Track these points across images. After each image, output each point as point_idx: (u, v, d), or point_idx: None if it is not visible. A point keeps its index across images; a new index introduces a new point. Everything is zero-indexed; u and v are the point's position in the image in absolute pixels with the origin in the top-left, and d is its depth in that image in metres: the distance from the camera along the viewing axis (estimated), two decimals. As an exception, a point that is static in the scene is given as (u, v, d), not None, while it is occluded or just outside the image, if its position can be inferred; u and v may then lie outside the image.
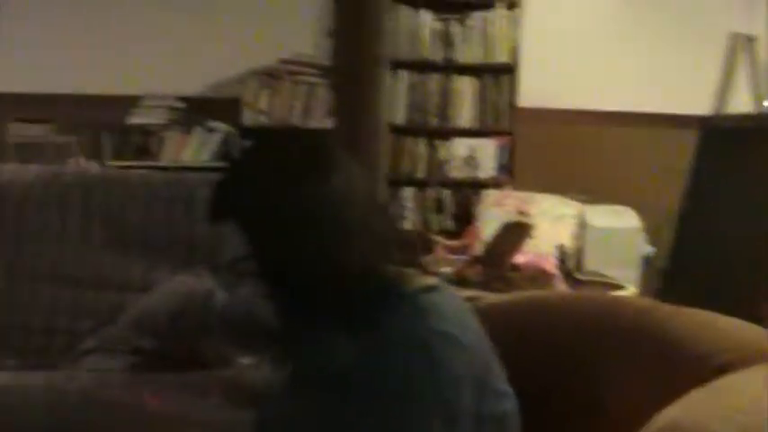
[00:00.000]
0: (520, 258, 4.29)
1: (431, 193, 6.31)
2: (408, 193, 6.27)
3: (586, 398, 2.10)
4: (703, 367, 1.87)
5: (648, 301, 2.32)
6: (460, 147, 6.31)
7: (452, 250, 4.69)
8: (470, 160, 6.30)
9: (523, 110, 6.32)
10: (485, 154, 6.31)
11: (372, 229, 1.78)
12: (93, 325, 3.44)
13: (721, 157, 5.21)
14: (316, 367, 1.82)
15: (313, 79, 6.19)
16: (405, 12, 6.19)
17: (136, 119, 6.22)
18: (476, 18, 6.33)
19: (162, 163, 6.07)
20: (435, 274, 1.80)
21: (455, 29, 6.33)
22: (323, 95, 6.16)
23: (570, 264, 4.71)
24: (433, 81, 6.32)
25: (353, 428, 1.75)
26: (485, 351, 1.81)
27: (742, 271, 4.79)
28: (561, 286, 4.28)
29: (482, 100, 6.34)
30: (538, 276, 4.23)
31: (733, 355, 1.85)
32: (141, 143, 6.24)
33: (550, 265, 4.39)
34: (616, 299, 3.00)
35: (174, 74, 6.31)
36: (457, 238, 5.24)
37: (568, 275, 4.47)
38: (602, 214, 5.60)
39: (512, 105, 6.31)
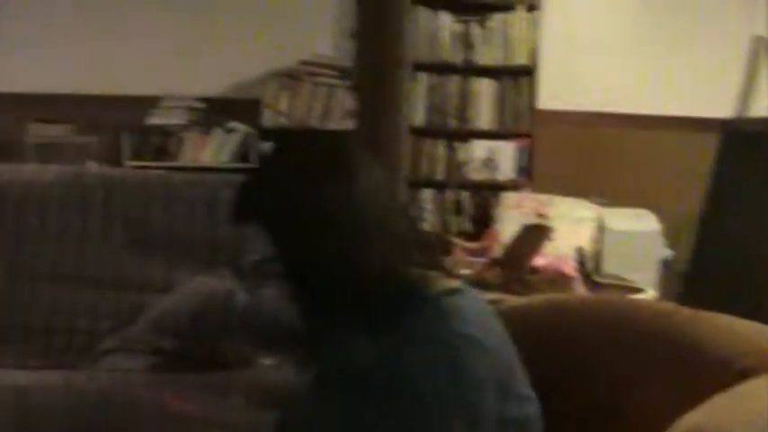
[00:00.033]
0: (539, 261, 4.29)
1: (449, 194, 6.31)
2: (427, 194, 6.27)
3: (606, 402, 2.10)
4: (725, 372, 1.86)
5: (669, 305, 2.31)
6: (479, 149, 6.31)
7: (471, 252, 4.69)
8: (489, 162, 6.30)
9: (542, 112, 6.31)
10: (503, 156, 6.31)
11: (394, 231, 1.78)
12: (113, 325, 3.45)
13: (743, 160, 5.17)
14: (337, 369, 1.83)
15: (333, 81, 6.20)
16: (424, 13, 6.19)
17: (155, 119, 6.24)
18: (495, 20, 6.33)
19: (181, 164, 6.07)
20: (456, 276, 1.79)
21: (474, 31, 6.33)
22: (342, 97, 6.16)
23: (589, 267, 4.70)
24: (453, 83, 6.32)
25: (375, 430, 1.75)
26: (508, 354, 1.81)
27: (763, 275, 4.75)
28: (580, 289, 4.27)
29: (501, 102, 6.34)
30: (557, 279, 4.23)
31: (755, 360, 1.85)
32: (160, 144, 6.26)
33: (569, 267, 4.39)
34: (635, 302, 2.99)
35: (194, 75, 6.33)
36: (475, 240, 5.24)
37: (587, 278, 4.46)
38: (621, 217, 5.58)
39: (531, 107, 6.31)
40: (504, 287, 4.01)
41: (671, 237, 5.69)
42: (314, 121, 6.15)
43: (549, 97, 6.32)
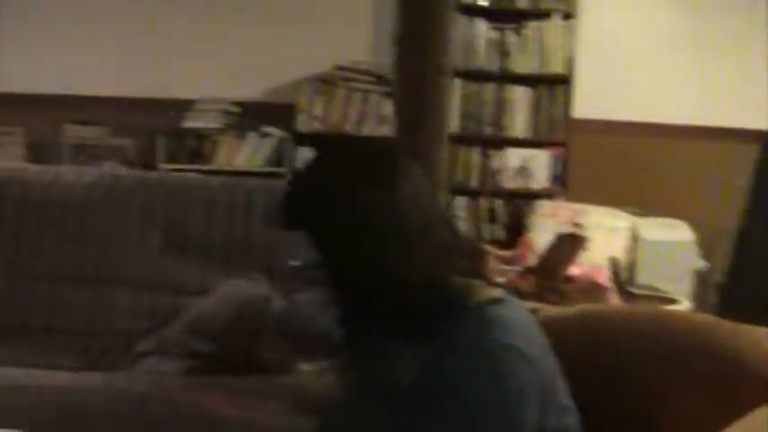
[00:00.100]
0: (574, 270, 4.28)
1: (483, 202, 6.30)
2: (461, 202, 6.26)
3: (641, 413, 2.09)
4: (766, 387, 1.85)
5: (708, 317, 2.30)
6: (514, 157, 6.30)
7: (504, 261, 4.69)
8: (523, 170, 6.29)
9: (578, 121, 6.30)
10: (538, 164, 6.30)
11: (436, 239, 1.78)
12: (149, 327, 3.47)
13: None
14: (378, 377, 1.83)
15: (368, 86, 6.20)
16: (460, 20, 6.18)
17: (190, 123, 6.26)
18: (531, 28, 6.32)
19: (215, 167, 6.09)
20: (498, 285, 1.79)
21: (510, 38, 6.32)
22: (377, 103, 6.17)
23: (623, 277, 4.69)
24: (488, 90, 6.31)
25: (415, 439, 1.76)
26: (549, 365, 1.81)
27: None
28: (614, 299, 4.26)
29: (536, 110, 6.33)
30: (591, 289, 4.22)
31: (796, 376, 1.84)
32: (195, 147, 6.28)
33: (604, 277, 4.38)
34: (673, 314, 2.97)
35: (230, 79, 6.35)
36: (508, 248, 5.23)
37: (621, 289, 4.45)
38: (656, 227, 5.56)
39: (566, 116, 6.29)
40: (539, 296, 4.00)
41: (705, 248, 5.66)
42: (349, 127, 6.15)
43: (584, 106, 6.30)
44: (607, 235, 5.23)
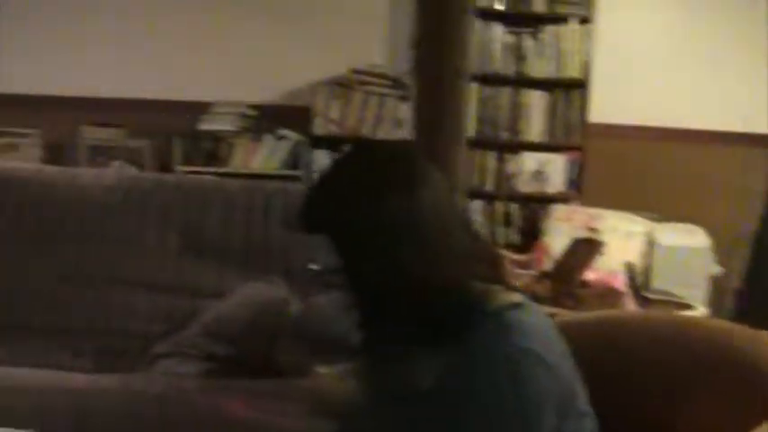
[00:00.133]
0: (589, 275, 4.28)
1: (498, 206, 6.29)
2: (476, 205, 6.26)
3: (659, 419, 2.09)
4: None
5: (723, 323, 2.31)
6: (529, 161, 6.30)
7: (519, 264, 4.69)
8: (539, 174, 6.28)
9: (594, 125, 6.29)
10: (554, 169, 6.29)
11: (456, 244, 1.78)
12: (166, 329, 3.48)
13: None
14: (397, 381, 1.83)
15: (384, 90, 6.20)
16: (476, 25, 6.17)
17: (207, 125, 6.27)
18: (548, 32, 6.31)
19: (231, 170, 6.11)
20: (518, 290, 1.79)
21: (527, 42, 6.32)
22: (394, 106, 6.17)
23: (638, 282, 4.68)
24: (504, 94, 6.31)
25: (433, 443, 1.76)
26: (568, 370, 1.81)
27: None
28: (630, 304, 4.25)
29: (552, 114, 6.32)
30: (607, 294, 4.21)
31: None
32: (211, 149, 6.29)
33: (620, 282, 4.38)
34: (689, 319, 2.98)
35: (246, 81, 6.36)
36: (523, 252, 5.23)
37: (637, 294, 4.44)
38: (672, 233, 5.55)
39: (582, 120, 6.28)
40: (554, 301, 4.00)
41: (721, 253, 5.64)
42: (365, 130, 6.16)
43: (600, 110, 6.29)
44: (623, 240, 5.22)
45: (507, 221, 6.28)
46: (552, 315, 2.26)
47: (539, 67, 6.30)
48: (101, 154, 6.23)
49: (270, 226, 3.67)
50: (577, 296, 4.12)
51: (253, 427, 2.64)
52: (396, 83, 6.18)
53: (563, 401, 1.76)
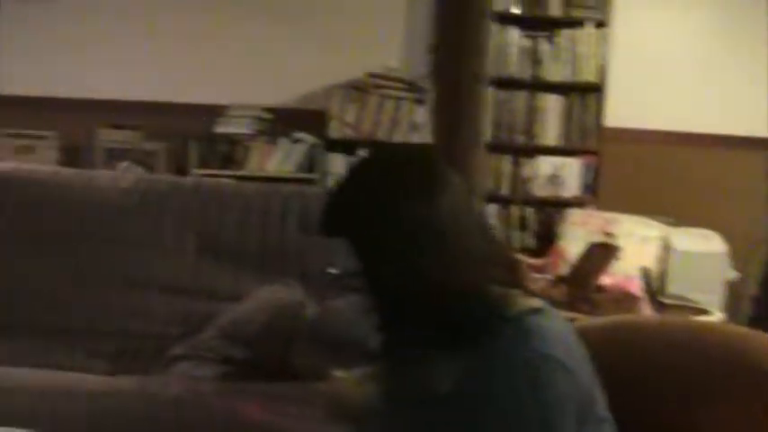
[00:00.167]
0: (605, 280, 4.27)
1: (514, 210, 6.29)
2: (492, 209, 6.25)
3: (677, 424, 2.09)
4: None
5: (740, 329, 2.30)
6: (545, 165, 6.29)
7: (534, 269, 4.68)
8: (554, 179, 6.28)
9: (610, 129, 6.28)
10: (569, 173, 6.28)
11: (476, 249, 1.78)
12: (183, 332, 3.48)
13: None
14: (415, 385, 1.83)
15: (400, 93, 6.20)
16: (493, 28, 6.15)
17: (222, 128, 6.28)
18: (564, 36, 6.31)
19: (247, 172, 6.12)
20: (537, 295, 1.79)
21: (543, 46, 6.32)
22: (410, 110, 6.17)
23: (654, 287, 4.68)
24: (520, 98, 6.31)
25: (453, 449, 1.76)
26: (588, 375, 1.80)
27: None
28: (646, 310, 4.25)
29: (568, 118, 6.32)
30: (623, 299, 4.21)
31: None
32: (227, 152, 6.30)
33: (636, 287, 4.37)
34: (705, 324, 2.97)
35: (262, 84, 6.37)
36: (538, 256, 5.23)
37: (653, 299, 4.44)
38: (688, 237, 5.54)
39: (598, 125, 6.28)
40: (570, 305, 4.00)
41: (737, 258, 5.63)
42: (380, 134, 6.16)
43: (616, 114, 6.29)
44: (638, 244, 5.22)
45: (523, 225, 6.28)
46: (569, 320, 2.26)
47: (555, 71, 6.30)
48: (117, 156, 6.24)
49: (287, 229, 3.67)
50: (593, 301, 4.12)
51: (269, 431, 2.64)
52: (411, 86, 6.18)
53: (582, 407, 1.76)
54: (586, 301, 4.08)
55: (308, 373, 2.96)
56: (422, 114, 6.08)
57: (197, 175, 6.07)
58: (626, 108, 6.33)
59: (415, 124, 6.12)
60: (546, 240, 5.91)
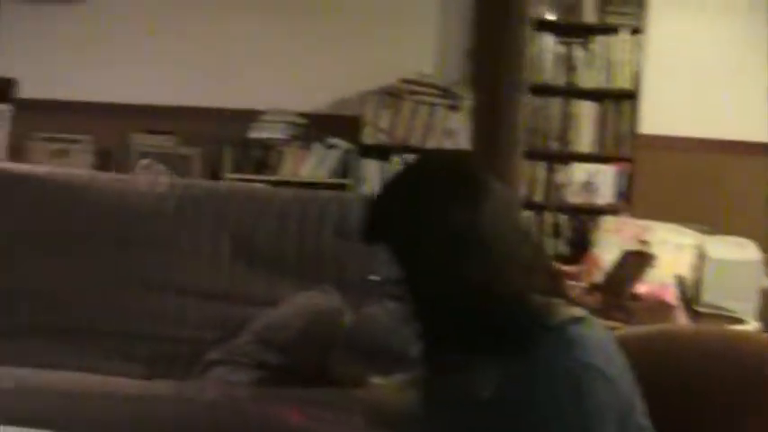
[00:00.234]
0: (640, 288, 4.26)
1: (548, 217, 6.28)
2: (525, 216, 6.24)
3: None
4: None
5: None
6: (579, 172, 6.28)
7: (568, 276, 4.67)
8: (588, 185, 6.26)
9: (644, 136, 6.26)
10: (603, 180, 6.27)
11: (519, 257, 1.78)
12: (218, 337, 3.49)
13: None
14: (459, 393, 1.83)
15: (434, 99, 6.21)
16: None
17: (257, 133, 6.31)
18: (598, 42, 6.31)
19: (280, 178, 6.13)
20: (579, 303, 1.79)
21: (577, 53, 6.31)
22: (443, 116, 6.17)
23: (689, 295, 4.65)
24: (554, 105, 6.31)
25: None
26: (628, 385, 1.80)
27: None
28: (681, 318, 4.23)
29: (602, 125, 6.31)
30: (658, 307, 4.19)
31: None
32: (261, 157, 6.32)
33: (671, 296, 4.35)
34: (740, 334, 2.96)
35: (296, 90, 6.38)
36: (571, 263, 5.21)
37: (688, 307, 4.41)
38: (723, 245, 5.49)
39: (632, 131, 6.27)
40: (604, 313, 3.98)
41: (773, 267, 5.59)
42: (414, 140, 6.16)
43: (651, 121, 6.27)
44: (673, 252, 5.18)
45: (556, 232, 6.27)
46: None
47: (589, 78, 6.30)
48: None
49: (324, 235, 3.67)
50: (628, 309, 4.10)
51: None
52: (446, 92, 6.18)
53: (623, 415, 1.76)
54: (621, 309, 4.07)
55: (344, 380, 2.96)
56: (456, 120, 6.08)
57: (231, 179, 6.09)
58: (660, 115, 6.31)
59: (449, 130, 6.11)
60: (579, 247, 5.89)
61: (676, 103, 6.38)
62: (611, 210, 6.11)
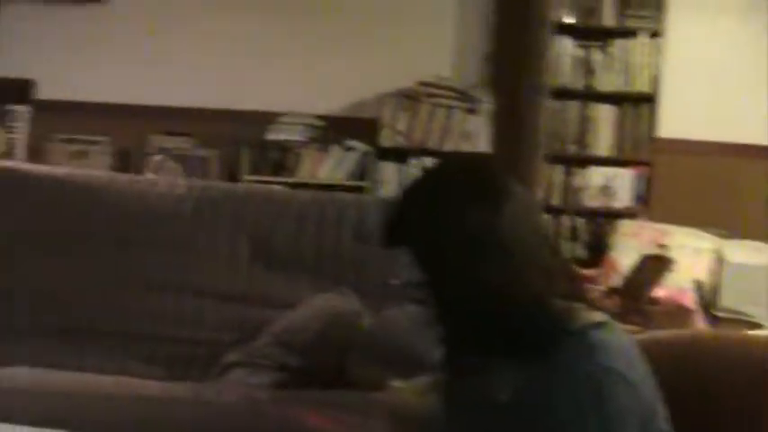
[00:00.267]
0: (659, 292, 4.25)
1: (565, 220, 6.27)
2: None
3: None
4: None
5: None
6: (597, 175, 6.27)
7: (586, 280, 4.65)
8: (606, 189, 6.25)
9: (663, 140, 6.25)
10: (621, 183, 6.26)
11: (540, 261, 1.78)
12: (236, 338, 3.49)
13: None
14: (479, 397, 1.83)
15: (452, 102, 6.20)
16: (545, 38, 6.17)
17: (274, 135, 6.31)
18: (617, 46, 6.30)
19: (298, 180, 6.14)
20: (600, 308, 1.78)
21: (596, 56, 6.30)
22: (461, 119, 6.17)
23: (707, 299, 4.64)
24: (572, 108, 6.29)
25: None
26: (650, 390, 1.79)
27: None
28: (699, 323, 4.22)
29: (621, 129, 6.29)
30: (676, 311, 4.19)
31: None
32: (279, 159, 6.32)
33: (689, 300, 4.34)
34: (759, 339, 2.93)
35: (314, 92, 6.38)
36: (588, 267, 5.20)
37: (706, 312, 4.40)
38: (741, 250, 5.48)
39: (651, 135, 6.25)
40: (622, 317, 3.97)
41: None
42: (432, 143, 6.16)
43: (669, 125, 6.25)
44: (691, 256, 5.17)
45: (574, 236, 6.25)
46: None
47: (608, 81, 6.29)
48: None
49: (342, 237, 3.67)
50: (646, 313, 4.09)
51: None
52: (463, 95, 6.18)
53: (644, 420, 1.75)
54: (639, 313, 4.06)
55: (362, 382, 2.96)
56: (473, 123, 6.08)
57: (248, 181, 6.11)
58: (679, 119, 6.29)
59: (467, 133, 6.11)
60: (597, 251, 5.88)
61: (695, 106, 6.36)
62: (628, 213, 6.09)
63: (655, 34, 6.25)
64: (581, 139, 6.31)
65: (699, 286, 4.57)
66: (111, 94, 6.34)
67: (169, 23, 6.41)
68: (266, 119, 6.28)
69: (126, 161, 6.31)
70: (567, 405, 1.70)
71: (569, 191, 6.29)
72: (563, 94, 6.26)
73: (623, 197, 6.25)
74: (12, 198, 3.87)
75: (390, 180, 6.15)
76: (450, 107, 6.20)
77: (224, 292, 3.66)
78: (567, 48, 6.27)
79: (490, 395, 1.80)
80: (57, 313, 3.66)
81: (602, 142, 6.30)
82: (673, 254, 4.74)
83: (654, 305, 4.16)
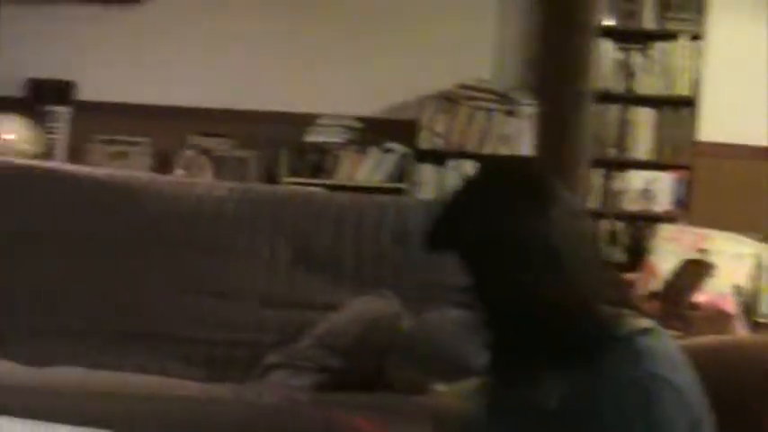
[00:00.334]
0: (699, 297, 4.21)
1: (604, 224, 6.24)
2: (581, 223, 6.20)
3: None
4: None
5: None
6: (636, 179, 6.24)
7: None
8: (646, 193, 6.22)
9: (703, 144, 6.21)
10: (661, 187, 6.23)
11: (588, 267, 1.77)
12: (276, 340, 3.49)
13: None
14: (524, 403, 1.82)
15: (491, 105, 6.19)
16: (585, 41, 6.14)
17: (313, 137, 6.33)
18: (657, 49, 6.27)
19: (336, 182, 6.15)
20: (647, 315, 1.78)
21: (636, 59, 6.27)
22: (500, 122, 6.16)
23: (747, 305, 4.60)
24: (612, 111, 6.27)
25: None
26: (697, 396, 1.79)
27: None
28: (740, 328, 4.18)
29: (660, 132, 6.26)
30: (717, 317, 4.15)
31: None
32: (317, 161, 6.34)
33: (730, 305, 4.30)
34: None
35: (353, 94, 6.40)
36: (628, 271, 5.16)
37: (747, 317, 4.36)
38: (781, 255, 5.44)
39: (691, 139, 6.21)
40: (663, 322, 3.93)
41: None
42: (470, 146, 6.16)
43: (710, 129, 6.21)
44: (731, 261, 5.12)
45: (613, 240, 6.22)
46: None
47: (648, 84, 6.26)
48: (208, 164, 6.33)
49: (382, 240, 3.68)
50: (686, 318, 4.06)
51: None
52: (503, 98, 6.17)
53: (691, 427, 1.74)
54: (679, 318, 4.03)
55: (403, 386, 2.96)
56: (513, 126, 6.07)
57: (287, 183, 6.12)
58: (719, 122, 6.25)
59: (506, 136, 6.10)
60: (636, 255, 5.84)
61: (736, 110, 6.31)
62: (668, 217, 6.06)
63: (695, 37, 6.22)
64: (621, 143, 6.28)
65: (739, 291, 4.52)
66: (150, 95, 6.38)
67: (209, 25, 6.44)
68: (305, 120, 6.30)
69: (165, 162, 6.34)
70: (613, 411, 1.70)
71: (609, 194, 6.26)
72: (603, 97, 6.21)
73: (663, 201, 6.22)
74: (52, 198, 3.89)
75: (429, 182, 6.15)
76: (489, 110, 6.20)
77: (264, 294, 3.67)
78: (607, 51, 6.23)
79: (535, 401, 1.79)
80: (98, 314, 3.67)
81: (642, 146, 6.27)
82: (713, 258, 4.70)
83: (694, 310, 4.12)
